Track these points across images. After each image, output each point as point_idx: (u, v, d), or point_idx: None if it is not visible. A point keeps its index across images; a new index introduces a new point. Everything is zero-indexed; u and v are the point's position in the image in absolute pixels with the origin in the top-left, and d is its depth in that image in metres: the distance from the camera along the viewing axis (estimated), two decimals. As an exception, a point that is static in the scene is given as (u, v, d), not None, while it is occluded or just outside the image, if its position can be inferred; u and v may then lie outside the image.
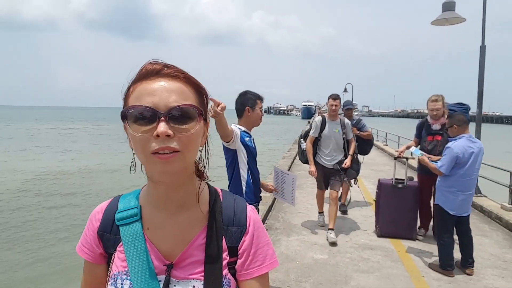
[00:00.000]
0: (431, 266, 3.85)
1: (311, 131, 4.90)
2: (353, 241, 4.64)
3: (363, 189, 7.60)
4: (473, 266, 3.73)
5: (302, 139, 5.11)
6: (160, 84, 0.70)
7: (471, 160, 3.53)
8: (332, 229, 4.71)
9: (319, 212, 5.38)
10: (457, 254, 3.78)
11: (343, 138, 4.80)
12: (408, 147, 4.99)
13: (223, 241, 0.80)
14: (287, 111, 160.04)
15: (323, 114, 4.99)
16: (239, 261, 0.81)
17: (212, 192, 0.86)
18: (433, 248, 4.26)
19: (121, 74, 0.76)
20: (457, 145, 3.54)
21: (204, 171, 0.86)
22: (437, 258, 3.80)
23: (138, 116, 0.68)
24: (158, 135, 0.66)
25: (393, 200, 4.63)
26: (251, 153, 2.74)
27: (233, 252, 0.81)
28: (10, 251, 6.07)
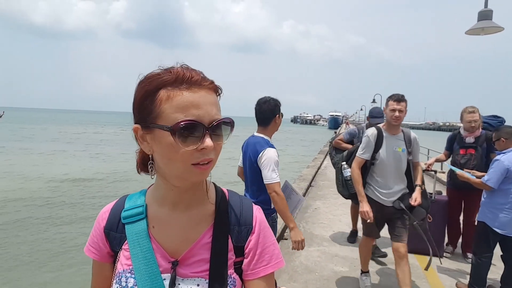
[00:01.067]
0: (458, 285, 3.65)
1: (360, 151, 3.23)
2: (375, 254, 4.48)
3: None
4: None
5: (344, 163, 3.59)
6: (203, 96, 0.72)
7: None
8: None
9: (363, 272, 3.64)
10: (491, 277, 3.57)
11: (408, 160, 3.19)
12: (437, 160, 4.80)
13: (229, 240, 0.81)
14: (314, 120, 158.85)
15: (379, 125, 3.35)
16: (245, 261, 0.81)
17: (219, 192, 0.87)
18: (462, 266, 4.06)
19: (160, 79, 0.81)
20: (507, 158, 3.31)
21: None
22: (465, 277, 3.60)
23: (185, 130, 0.69)
24: (203, 148, 0.69)
25: (420, 214, 4.46)
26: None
27: (240, 251, 0.82)
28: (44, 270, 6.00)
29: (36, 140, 28.31)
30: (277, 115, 2.64)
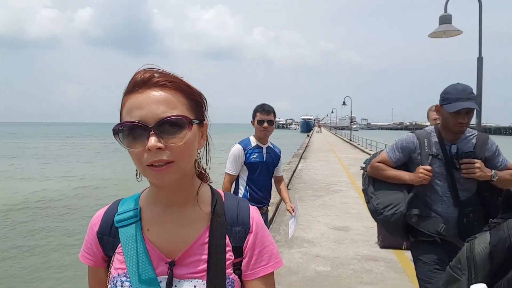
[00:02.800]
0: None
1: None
2: (355, 252, 4.61)
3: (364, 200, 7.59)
4: None
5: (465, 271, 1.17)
6: (148, 95, 0.70)
7: None
8: None
9: None
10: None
11: None
12: None
13: (227, 240, 0.80)
14: (286, 125, 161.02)
15: None
16: (244, 261, 0.81)
17: (215, 193, 0.87)
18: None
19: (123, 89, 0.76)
20: None
21: (205, 172, 0.87)
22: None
23: (129, 132, 0.70)
24: (149, 149, 0.67)
25: (395, 210, 4.59)
26: (256, 168, 2.94)
27: (238, 252, 0.81)
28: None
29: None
30: (251, 121, 3.01)
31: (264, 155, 2.97)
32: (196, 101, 0.77)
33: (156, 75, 0.72)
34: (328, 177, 10.88)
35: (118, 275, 0.78)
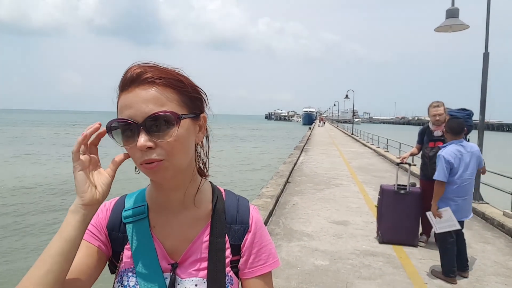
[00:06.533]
0: (433, 273, 3.81)
1: None
2: (354, 247, 4.59)
3: (365, 195, 7.58)
4: (468, 269, 3.85)
5: None
6: (136, 94, 0.69)
7: (463, 164, 3.60)
8: None
9: None
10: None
11: None
12: (411, 154, 5.00)
13: (226, 239, 0.81)
14: (288, 117, 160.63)
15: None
16: (241, 260, 0.82)
17: (215, 191, 0.87)
18: (436, 255, 4.22)
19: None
20: (446, 152, 3.64)
21: (204, 168, 0.86)
22: (440, 264, 3.76)
23: (120, 130, 0.70)
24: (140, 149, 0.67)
25: (395, 206, 4.59)
26: None
27: (236, 250, 0.82)
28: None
29: None
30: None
31: None
32: (189, 95, 0.74)
33: (147, 71, 0.70)
34: (329, 171, 10.86)
35: (125, 270, 0.79)
